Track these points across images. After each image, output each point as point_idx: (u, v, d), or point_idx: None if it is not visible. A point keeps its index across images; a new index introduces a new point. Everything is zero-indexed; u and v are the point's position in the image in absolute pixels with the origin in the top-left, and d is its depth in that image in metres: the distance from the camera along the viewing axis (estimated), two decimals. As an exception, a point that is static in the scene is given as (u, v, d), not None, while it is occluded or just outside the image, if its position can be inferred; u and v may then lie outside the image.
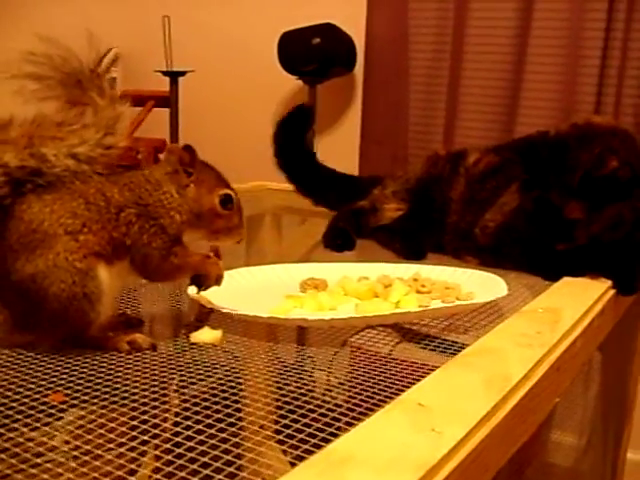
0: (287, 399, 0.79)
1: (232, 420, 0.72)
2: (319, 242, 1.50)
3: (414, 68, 2.62)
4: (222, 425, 0.70)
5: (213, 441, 0.67)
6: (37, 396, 0.76)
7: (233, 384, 0.82)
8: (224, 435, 0.68)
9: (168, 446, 0.67)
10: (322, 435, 0.67)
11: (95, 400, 0.77)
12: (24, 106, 0.94)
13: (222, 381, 0.83)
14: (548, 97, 2.39)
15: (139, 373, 0.84)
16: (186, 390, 0.81)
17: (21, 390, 0.77)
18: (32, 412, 0.73)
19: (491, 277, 1.16)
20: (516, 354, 0.84)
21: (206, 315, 1.05)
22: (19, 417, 0.71)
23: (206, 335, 0.95)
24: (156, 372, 0.84)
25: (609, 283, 1.18)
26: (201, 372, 0.85)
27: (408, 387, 0.74)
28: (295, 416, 0.73)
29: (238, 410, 0.75)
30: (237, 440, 0.67)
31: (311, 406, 0.76)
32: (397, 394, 0.72)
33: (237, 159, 2.59)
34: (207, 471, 0.61)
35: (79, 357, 0.86)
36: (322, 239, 1.50)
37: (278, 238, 1.81)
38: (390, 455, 0.58)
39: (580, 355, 1.00)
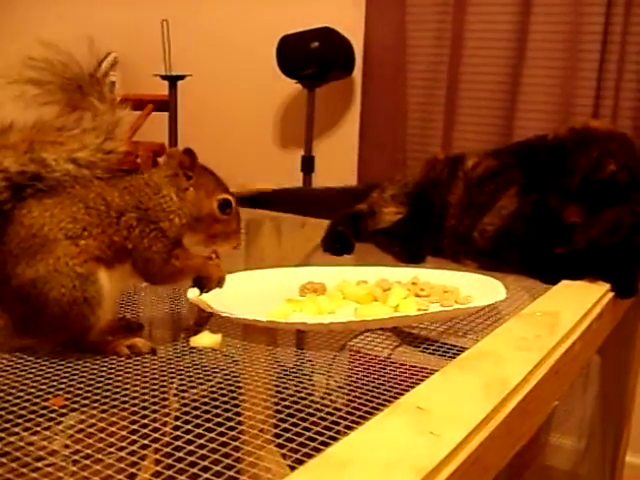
0: (286, 403, 0.79)
1: (231, 424, 0.72)
2: (318, 246, 1.51)
3: (412, 72, 2.63)
4: (221, 429, 0.71)
5: (213, 445, 0.67)
6: (37, 400, 0.76)
7: (232, 388, 0.82)
8: (223, 439, 0.69)
9: (168, 450, 0.67)
10: (322, 439, 0.67)
11: (95, 404, 0.77)
12: (24, 111, 0.94)
13: (221, 385, 0.83)
14: (546, 101, 2.40)
15: (139, 377, 0.84)
16: (186, 394, 0.81)
17: (21, 394, 0.77)
18: (32, 416, 0.73)
19: (490, 281, 1.16)
20: (515, 357, 0.84)
21: (206, 319, 1.05)
22: (19, 421, 0.72)
23: (206, 339, 0.96)
24: (156, 376, 0.85)
25: (607, 286, 1.18)
26: (200, 376, 0.85)
27: (407, 390, 0.74)
28: (294, 420, 0.73)
29: (237, 414, 0.75)
30: (236, 444, 0.67)
31: (310, 410, 0.76)
32: (396, 397, 0.73)
33: (236, 163, 2.60)
34: (207, 475, 0.61)
35: (79, 361, 0.87)
36: (321, 243, 1.50)
37: (277, 242, 1.81)
38: (389, 458, 0.58)
39: (579, 358, 1.00)
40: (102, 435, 0.70)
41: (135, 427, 0.71)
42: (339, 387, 0.93)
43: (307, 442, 0.67)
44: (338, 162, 2.81)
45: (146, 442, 0.68)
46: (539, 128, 2.23)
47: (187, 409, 0.76)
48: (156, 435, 0.70)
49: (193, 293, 1.03)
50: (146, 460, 0.67)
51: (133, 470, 0.64)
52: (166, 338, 1.02)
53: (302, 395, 0.81)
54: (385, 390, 0.80)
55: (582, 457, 1.74)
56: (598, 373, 1.63)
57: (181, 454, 0.65)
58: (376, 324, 1.01)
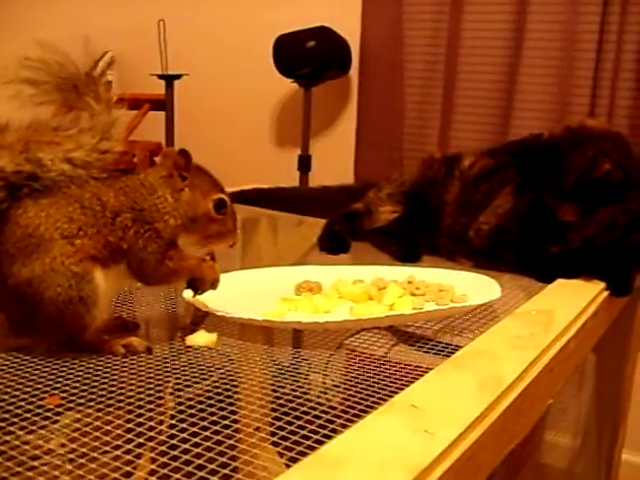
0: (282, 401, 0.80)
1: (227, 422, 0.72)
2: (314, 245, 1.51)
3: (409, 71, 2.63)
4: (217, 427, 0.71)
5: (208, 443, 0.67)
6: (33, 399, 0.76)
7: (228, 386, 0.82)
8: (219, 437, 0.69)
9: (164, 448, 0.67)
10: (317, 437, 0.67)
11: (91, 403, 0.77)
12: (20, 111, 0.94)
13: (217, 384, 0.84)
14: (543, 100, 2.40)
15: (135, 376, 0.85)
16: (182, 393, 0.82)
17: (17, 393, 0.77)
18: (28, 415, 0.73)
19: (485, 279, 1.17)
20: (510, 356, 0.85)
21: (201, 318, 1.05)
22: (15, 420, 0.72)
23: (201, 338, 0.96)
24: (152, 375, 0.85)
25: (603, 285, 1.19)
26: (196, 375, 0.85)
27: (403, 389, 0.74)
28: (290, 418, 0.73)
29: (233, 412, 0.75)
30: (232, 442, 0.68)
31: (306, 408, 0.76)
32: (391, 396, 0.73)
33: (233, 162, 2.60)
34: (202, 473, 0.62)
35: (75, 360, 0.87)
36: (317, 242, 1.51)
37: (273, 241, 1.81)
38: (383, 456, 0.59)
39: (574, 356, 1.01)
40: (98, 434, 0.70)
41: (131, 426, 0.71)
42: (335, 386, 0.93)
43: (303, 440, 0.67)
44: (335, 161, 2.81)
45: (142, 440, 0.68)
46: (536, 127, 2.23)
47: (183, 407, 0.76)
48: (152, 434, 0.70)
49: (188, 294, 1.03)
50: (142, 458, 0.67)
51: (129, 468, 0.64)
52: (162, 337, 1.02)
53: (298, 394, 0.82)
54: (380, 388, 0.80)
55: (578, 455, 1.74)
56: (594, 371, 1.64)
57: (177, 452, 0.66)
58: (371, 323, 1.02)
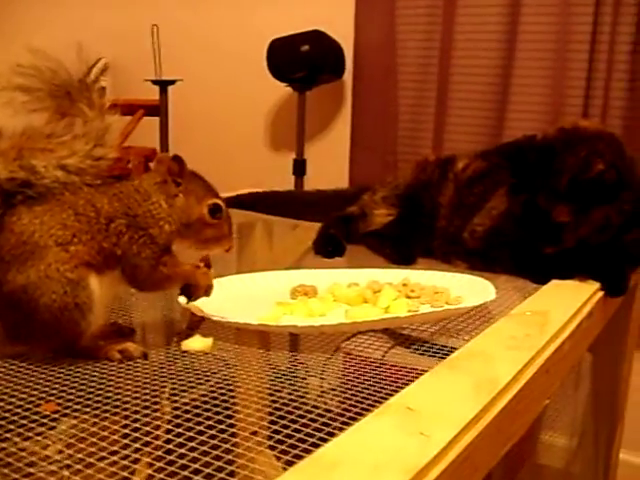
0: (279, 405, 0.80)
1: (224, 427, 0.72)
2: (310, 248, 1.51)
3: (403, 74, 2.63)
4: (214, 432, 0.71)
5: (205, 447, 0.67)
6: (29, 406, 0.76)
7: (224, 391, 0.82)
8: (216, 441, 0.69)
9: (160, 453, 0.67)
10: (314, 440, 0.67)
11: (87, 409, 0.78)
12: (13, 118, 0.94)
13: (214, 388, 0.84)
14: (536, 101, 2.40)
15: (131, 381, 0.85)
16: (178, 398, 0.82)
17: (13, 400, 0.78)
18: (24, 422, 0.73)
19: (479, 281, 1.17)
20: (505, 357, 0.85)
21: (197, 323, 1.05)
22: (12, 427, 0.72)
23: (197, 343, 0.96)
24: (148, 380, 0.85)
25: (597, 285, 1.19)
26: (192, 380, 0.85)
27: (399, 391, 0.74)
28: (287, 422, 0.73)
29: (230, 417, 0.75)
30: (229, 446, 0.68)
31: (302, 411, 0.76)
32: (388, 398, 0.73)
33: (228, 166, 2.61)
34: (199, 477, 0.62)
35: (71, 367, 0.87)
36: (312, 245, 1.51)
37: (269, 245, 1.81)
38: (379, 459, 0.59)
39: (569, 357, 1.01)
40: (95, 440, 0.70)
41: (127, 431, 0.71)
42: (332, 389, 0.94)
43: (300, 444, 0.67)
44: (329, 165, 2.81)
45: (139, 446, 0.69)
46: (529, 128, 2.23)
47: (179, 412, 0.76)
48: (148, 439, 0.70)
49: (182, 301, 1.03)
50: (139, 464, 0.67)
51: (126, 474, 0.64)
52: (158, 342, 1.02)
53: (295, 397, 0.82)
54: (375, 391, 0.80)
55: (575, 455, 1.74)
56: (590, 371, 1.64)
57: (174, 457, 0.66)
58: (367, 326, 1.02)
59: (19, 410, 0.75)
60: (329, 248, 1.48)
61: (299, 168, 2.76)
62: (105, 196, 0.91)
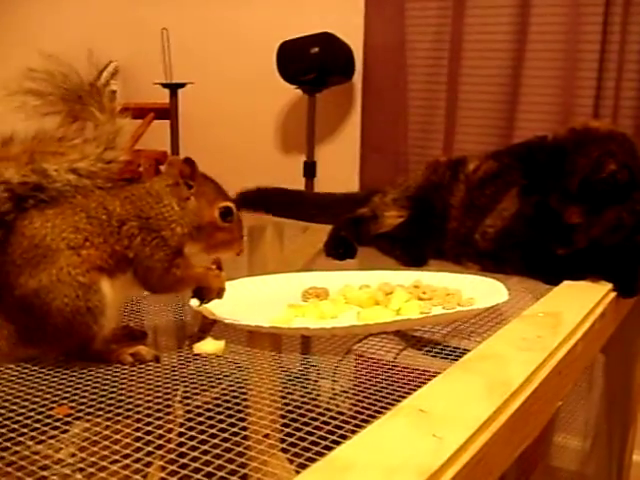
0: (291, 407, 0.80)
1: (237, 429, 0.72)
2: (321, 251, 1.51)
3: (412, 75, 2.63)
4: (227, 435, 0.71)
5: (218, 450, 0.67)
6: (42, 409, 0.76)
7: (237, 394, 0.82)
8: (229, 444, 0.69)
9: (173, 457, 0.67)
10: (326, 443, 0.67)
11: (100, 412, 0.78)
12: (25, 122, 0.95)
13: (226, 391, 0.84)
14: (547, 102, 2.40)
15: (143, 385, 0.85)
16: (190, 401, 0.82)
17: (26, 404, 0.78)
18: (38, 425, 0.73)
19: (492, 282, 1.16)
20: (517, 358, 0.84)
21: (209, 326, 1.05)
22: (25, 430, 0.72)
23: (209, 346, 0.96)
24: (160, 383, 0.85)
25: (610, 286, 1.18)
26: (205, 383, 0.85)
27: (411, 393, 0.74)
28: (299, 424, 0.73)
29: (243, 419, 0.75)
30: (242, 449, 0.68)
31: (314, 414, 0.76)
32: (400, 400, 0.73)
33: (238, 169, 2.60)
34: (212, 480, 0.62)
35: (83, 370, 0.87)
36: (323, 248, 1.51)
37: (280, 247, 1.81)
38: (392, 461, 0.58)
39: (582, 358, 1.00)
40: (107, 443, 0.70)
41: (140, 434, 0.72)
42: (344, 391, 0.93)
43: (313, 446, 0.67)
44: (340, 167, 2.81)
45: (151, 449, 0.69)
46: (540, 129, 2.23)
47: (192, 415, 0.76)
48: (161, 442, 0.70)
49: (194, 303, 1.03)
50: (152, 467, 0.67)
51: (139, 477, 0.64)
52: (170, 345, 1.02)
53: (307, 400, 0.82)
54: (388, 393, 0.80)
55: (588, 457, 1.73)
56: (603, 372, 1.63)
57: (187, 460, 0.66)
58: (378, 328, 1.02)
59: (32, 413, 0.76)
60: (340, 250, 1.48)
61: (309, 170, 2.76)
62: (117, 199, 0.91)
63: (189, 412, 0.78)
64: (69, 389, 0.82)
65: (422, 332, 1.05)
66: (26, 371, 0.87)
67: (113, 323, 0.91)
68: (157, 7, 3.17)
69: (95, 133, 0.97)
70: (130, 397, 0.81)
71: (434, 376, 0.79)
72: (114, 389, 0.83)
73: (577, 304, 1.07)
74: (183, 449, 0.68)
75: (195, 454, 0.67)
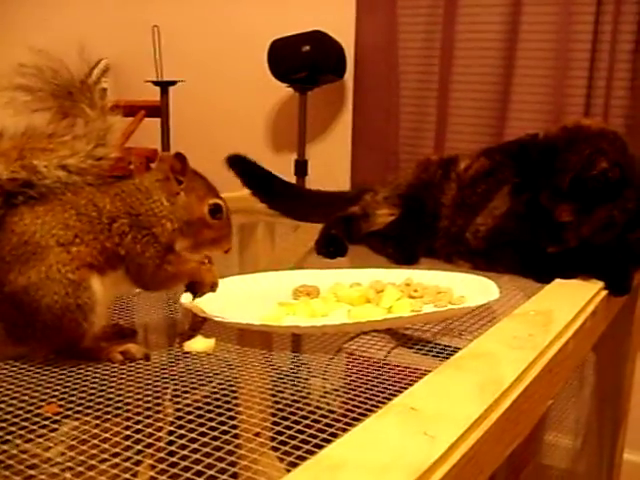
0: (282, 406, 0.79)
1: (227, 428, 0.72)
2: (312, 249, 1.51)
3: (404, 74, 2.63)
4: (217, 433, 0.70)
5: (208, 449, 0.67)
6: (31, 408, 0.76)
7: (227, 392, 0.82)
8: (219, 443, 0.68)
9: (163, 455, 0.67)
10: (316, 441, 0.67)
11: (89, 411, 0.77)
12: (15, 118, 0.94)
13: (216, 389, 0.83)
14: (538, 101, 2.40)
15: (133, 383, 0.84)
16: (180, 399, 0.81)
17: (15, 402, 0.77)
18: (26, 424, 0.73)
19: (483, 281, 1.16)
20: (508, 357, 0.84)
21: (199, 324, 1.05)
22: (13, 429, 0.71)
23: (199, 344, 0.95)
24: (150, 382, 0.85)
25: (601, 284, 1.18)
26: (194, 381, 0.85)
27: (402, 391, 0.74)
28: (290, 422, 0.73)
29: (233, 418, 0.75)
30: (232, 448, 0.67)
31: (305, 412, 0.76)
32: (391, 399, 0.73)
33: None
34: (202, 479, 0.61)
35: (73, 368, 0.87)
36: (314, 246, 1.50)
37: (271, 245, 1.81)
38: (383, 460, 0.58)
39: (573, 357, 1.00)
40: (97, 442, 0.70)
41: (130, 433, 0.71)
42: (334, 389, 0.93)
43: (303, 445, 0.67)
44: (331, 165, 2.81)
45: (141, 448, 0.68)
46: (531, 128, 2.20)
47: (182, 414, 0.76)
48: (151, 440, 0.70)
49: (187, 298, 1.03)
50: (141, 466, 0.67)
51: (128, 476, 0.63)
52: (160, 343, 1.02)
53: (297, 398, 0.81)
54: (379, 392, 0.80)
55: (579, 455, 1.74)
56: (594, 370, 1.64)
57: (176, 459, 0.65)
58: (369, 326, 1.01)
59: (20, 412, 0.75)
60: (331, 248, 1.48)
61: (301, 169, 2.75)
62: (107, 195, 0.91)
63: (179, 410, 0.77)
64: (58, 387, 0.81)
65: (413, 330, 1.05)
66: (14, 369, 0.86)
67: (103, 320, 0.91)
68: (148, 4, 3.15)
69: (85, 130, 0.96)
70: (120, 395, 0.81)
71: (425, 374, 0.79)
72: (103, 387, 0.82)
73: (568, 302, 1.07)
74: (173, 447, 0.68)
75: (185, 452, 0.66)
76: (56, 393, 0.80)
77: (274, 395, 0.84)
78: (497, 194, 1.38)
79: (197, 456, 0.65)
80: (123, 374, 0.86)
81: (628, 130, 2.23)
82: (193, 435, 0.70)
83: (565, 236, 1.22)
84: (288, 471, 0.58)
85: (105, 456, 0.67)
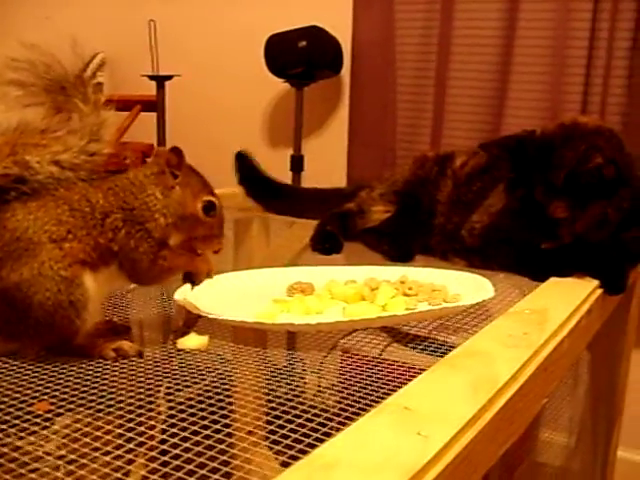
0: (276, 403, 0.79)
1: (220, 426, 0.71)
2: (307, 245, 1.50)
3: (401, 70, 2.63)
4: (209, 431, 0.70)
5: (201, 447, 0.67)
6: (22, 405, 0.76)
7: (221, 390, 0.82)
8: (212, 441, 0.68)
9: (156, 453, 0.67)
10: (310, 440, 0.67)
11: (81, 408, 0.77)
12: (7, 113, 0.94)
13: (209, 387, 0.83)
14: (535, 98, 2.40)
15: (126, 380, 0.84)
16: (173, 397, 0.81)
17: (6, 399, 0.77)
18: (17, 421, 0.72)
19: (478, 279, 1.16)
20: (503, 355, 0.84)
21: (193, 321, 1.04)
22: (4, 427, 0.71)
23: (192, 341, 0.95)
24: (143, 379, 0.84)
25: (596, 283, 1.18)
26: (188, 378, 0.85)
27: (397, 389, 0.74)
28: (284, 421, 0.73)
29: (227, 415, 0.74)
30: (226, 446, 0.67)
31: (299, 411, 0.76)
32: (385, 397, 0.72)
33: (225, 162, 2.59)
34: (196, 476, 0.61)
35: (65, 365, 0.86)
36: (310, 242, 1.50)
37: (266, 242, 1.81)
38: (376, 459, 0.58)
39: (568, 355, 1.00)
40: (89, 439, 0.69)
41: (122, 430, 0.71)
42: (329, 387, 0.93)
43: (297, 444, 0.67)
44: (327, 161, 2.81)
45: (133, 446, 0.68)
46: (528, 125, 2.19)
47: (175, 412, 0.75)
48: (144, 438, 0.69)
49: (180, 295, 1.02)
50: (135, 463, 0.66)
51: (121, 475, 0.63)
52: (153, 340, 1.01)
53: (292, 395, 0.81)
54: (373, 390, 0.79)
55: (573, 453, 1.74)
56: (588, 369, 1.64)
57: (170, 456, 0.65)
58: (364, 324, 1.01)
59: (11, 409, 0.75)
60: (326, 245, 1.48)
61: (297, 164, 2.75)
62: (100, 190, 0.90)
63: (172, 408, 0.77)
64: (50, 384, 0.81)
65: (408, 328, 1.05)
66: (6, 366, 0.86)
67: (96, 317, 0.90)
68: (144, -1, 3.15)
69: (79, 125, 0.96)
70: (112, 392, 0.81)
71: (420, 372, 0.79)
72: (96, 384, 0.82)
73: (563, 301, 1.07)
74: (166, 446, 0.67)
75: (178, 451, 0.66)
76: (48, 390, 0.79)
77: (268, 392, 0.84)
78: (493, 191, 1.37)
79: (190, 454, 0.65)
80: (116, 371, 0.86)
81: (625, 128, 2.23)
82: (186, 433, 0.70)
83: (559, 232, 1.22)
84: (282, 470, 0.58)
85: (97, 454, 0.66)
